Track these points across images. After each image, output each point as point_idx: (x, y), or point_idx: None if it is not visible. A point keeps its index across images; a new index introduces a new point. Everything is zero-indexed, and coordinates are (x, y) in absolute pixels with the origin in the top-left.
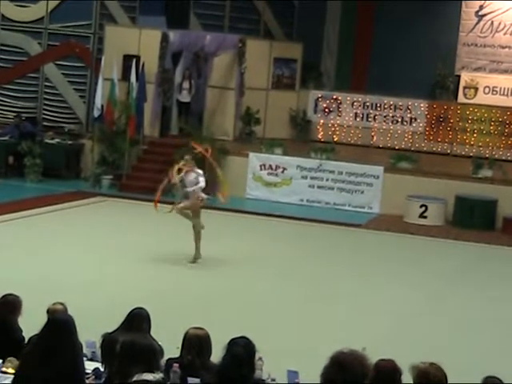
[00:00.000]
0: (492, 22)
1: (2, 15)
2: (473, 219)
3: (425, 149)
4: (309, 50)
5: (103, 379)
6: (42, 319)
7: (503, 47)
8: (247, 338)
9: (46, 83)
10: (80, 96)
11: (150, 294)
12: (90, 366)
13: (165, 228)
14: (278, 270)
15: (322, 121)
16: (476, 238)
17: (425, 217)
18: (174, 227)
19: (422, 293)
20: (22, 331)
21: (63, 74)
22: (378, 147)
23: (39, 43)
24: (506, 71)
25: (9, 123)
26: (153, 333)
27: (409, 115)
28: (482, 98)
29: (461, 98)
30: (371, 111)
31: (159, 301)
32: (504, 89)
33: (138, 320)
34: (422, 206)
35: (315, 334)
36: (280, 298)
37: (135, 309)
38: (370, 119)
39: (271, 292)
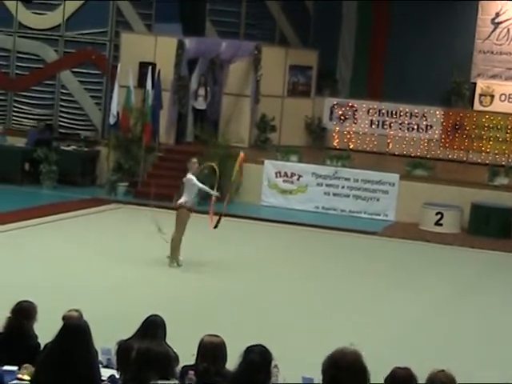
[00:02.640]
0: (508, 30)
1: (19, 23)
2: (488, 227)
3: (440, 156)
4: (324, 57)
5: None
6: (58, 326)
7: None
8: (263, 346)
9: (62, 90)
10: (96, 103)
11: (165, 300)
12: (105, 373)
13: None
14: (294, 278)
15: (337, 128)
16: (492, 245)
17: (440, 224)
18: (189, 233)
19: (437, 300)
20: (37, 338)
21: (79, 81)
22: (394, 154)
23: (55, 50)
24: None
25: (25, 130)
26: (168, 340)
27: (424, 122)
28: (498, 106)
29: (477, 106)
30: (387, 118)
31: (174, 307)
32: None
33: (153, 327)
34: (437, 214)
35: (330, 340)
36: (295, 304)
37: (150, 316)
38: (385, 126)
39: (286, 299)
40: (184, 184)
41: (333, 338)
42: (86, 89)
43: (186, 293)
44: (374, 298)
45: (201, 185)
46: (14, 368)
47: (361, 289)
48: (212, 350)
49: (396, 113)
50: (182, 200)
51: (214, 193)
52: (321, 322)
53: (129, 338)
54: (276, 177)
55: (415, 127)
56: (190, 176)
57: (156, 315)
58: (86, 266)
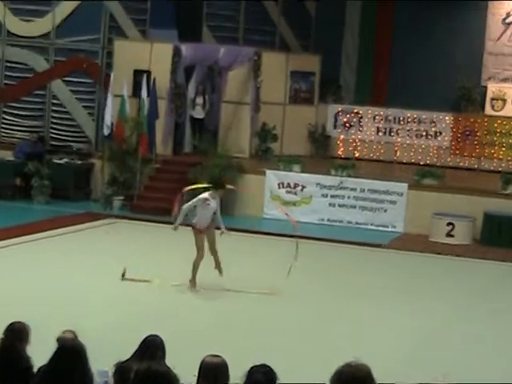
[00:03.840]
0: None
1: (7, 30)
2: (502, 237)
3: (451, 164)
4: (327, 63)
5: None
6: (52, 347)
7: None
8: (268, 366)
9: (54, 100)
10: (89, 113)
11: (164, 319)
12: None
13: (178, 250)
14: (297, 293)
15: (342, 136)
16: (505, 256)
17: (452, 235)
18: (187, 249)
19: (449, 315)
20: (30, 359)
21: (71, 90)
22: (402, 163)
23: (46, 59)
24: None
25: (15, 143)
26: (168, 360)
27: (433, 129)
28: (510, 110)
29: (488, 110)
30: (393, 125)
31: (174, 326)
32: None
33: (152, 348)
34: (448, 224)
35: (336, 357)
36: (299, 321)
37: (149, 336)
38: (392, 134)
39: (289, 316)
40: (199, 201)
41: (339, 354)
42: (78, 98)
43: (187, 312)
44: (382, 313)
45: (218, 212)
46: None
47: (368, 304)
48: (213, 371)
49: (403, 119)
50: (194, 220)
51: (223, 228)
52: (325, 337)
53: (127, 360)
54: (279, 187)
55: (423, 134)
56: (206, 196)
57: (155, 335)
58: (80, 284)
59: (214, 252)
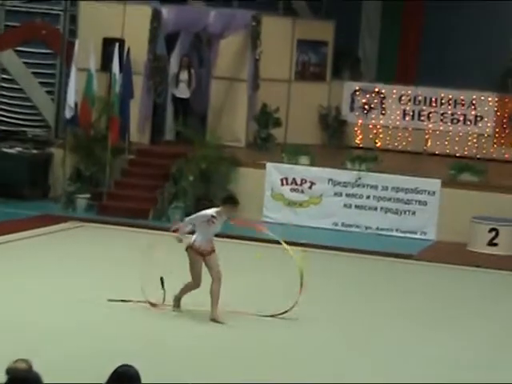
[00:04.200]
0: None
1: None
2: None
3: (494, 156)
4: (343, 31)
5: None
6: (1, 380)
7: None
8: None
9: (3, 75)
10: (48, 92)
11: (138, 345)
12: None
13: (154, 261)
14: (306, 314)
15: (360, 121)
16: None
17: (495, 244)
18: (167, 260)
19: (493, 341)
20: None
21: (25, 63)
22: (434, 154)
23: None
24: None
25: None
26: None
27: (473, 113)
28: None
29: None
30: (424, 108)
31: (150, 354)
32: None
33: (123, 380)
34: (491, 231)
35: None
36: (308, 347)
37: (121, 366)
38: (422, 118)
39: (296, 341)
40: (204, 217)
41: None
42: (34, 73)
43: (163, 336)
44: (409, 339)
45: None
46: None
47: (393, 327)
48: None
49: (436, 100)
50: (193, 240)
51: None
52: (341, 366)
53: None
54: (282, 185)
55: (461, 119)
56: (213, 212)
57: (128, 365)
58: (37, 300)
59: (217, 283)
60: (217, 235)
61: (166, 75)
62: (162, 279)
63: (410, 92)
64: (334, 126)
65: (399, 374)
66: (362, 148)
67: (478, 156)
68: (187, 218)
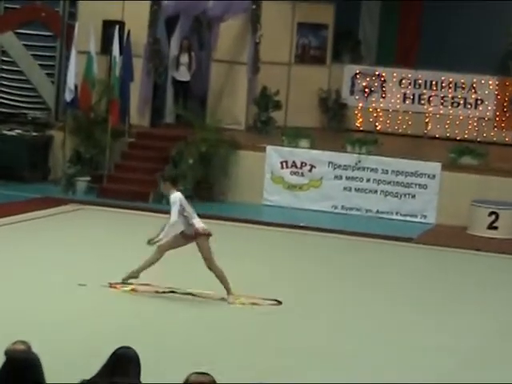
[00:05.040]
0: None
1: None
2: None
3: (495, 139)
4: (343, 14)
5: None
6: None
7: None
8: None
9: (3, 58)
10: (47, 74)
11: (138, 330)
12: None
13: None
14: (306, 300)
15: (360, 104)
16: None
17: (495, 228)
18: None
19: (491, 325)
20: None
21: (25, 45)
22: (434, 138)
23: None
24: None
25: None
26: (144, 379)
27: (473, 96)
28: None
29: None
30: (424, 91)
31: (151, 339)
32: None
33: (123, 361)
34: (491, 214)
35: (351, 375)
36: (308, 334)
37: (120, 348)
38: (422, 101)
39: (296, 328)
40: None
41: (355, 372)
42: (34, 55)
43: (164, 321)
44: (410, 324)
45: (172, 216)
46: None
47: (393, 312)
48: None
49: (436, 84)
50: (197, 225)
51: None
52: (342, 353)
53: (92, 377)
54: (282, 168)
55: (461, 102)
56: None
57: (128, 347)
58: (36, 285)
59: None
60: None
61: (166, 58)
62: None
63: (410, 75)
64: (334, 109)
65: (398, 360)
66: (362, 131)
67: (478, 139)
68: (176, 210)
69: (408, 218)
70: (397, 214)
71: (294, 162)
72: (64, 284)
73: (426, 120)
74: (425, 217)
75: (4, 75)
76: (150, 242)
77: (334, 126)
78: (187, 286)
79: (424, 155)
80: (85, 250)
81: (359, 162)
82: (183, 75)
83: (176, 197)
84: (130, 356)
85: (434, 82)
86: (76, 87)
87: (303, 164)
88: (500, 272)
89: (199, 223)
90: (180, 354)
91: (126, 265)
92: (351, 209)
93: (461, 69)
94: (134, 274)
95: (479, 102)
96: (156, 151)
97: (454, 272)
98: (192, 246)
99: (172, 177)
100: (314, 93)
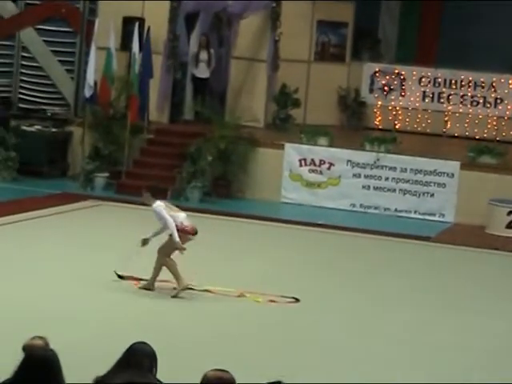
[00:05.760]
0: None
1: None
2: None
3: None
4: (363, 12)
5: None
6: (18, 358)
7: None
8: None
9: (24, 53)
10: (67, 70)
11: (157, 327)
12: None
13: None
14: (324, 298)
15: (379, 102)
16: None
17: None
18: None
19: (509, 325)
20: None
21: (45, 41)
22: (453, 136)
23: (14, 2)
24: None
25: None
26: (161, 375)
27: (493, 95)
28: None
29: None
30: (444, 90)
31: (169, 337)
32: None
33: (137, 355)
34: (510, 213)
35: (369, 376)
36: (326, 332)
37: (135, 343)
38: (442, 100)
39: (313, 326)
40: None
41: (371, 372)
42: (54, 51)
43: (188, 322)
44: (429, 324)
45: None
46: None
47: (412, 311)
48: None
49: (456, 82)
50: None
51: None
52: (358, 352)
53: (107, 372)
54: (300, 165)
55: (481, 101)
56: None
57: (143, 343)
58: (53, 282)
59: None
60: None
61: (186, 55)
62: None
63: (429, 74)
64: (353, 107)
65: (416, 357)
66: (380, 129)
67: (497, 138)
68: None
69: (426, 217)
70: (415, 212)
71: (312, 159)
72: (81, 278)
73: (445, 119)
74: (443, 215)
75: (24, 71)
76: (145, 243)
77: (353, 124)
78: (205, 283)
79: (443, 154)
80: (103, 245)
81: (378, 160)
82: (202, 72)
83: (158, 205)
84: (144, 351)
85: (453, 81)
86: (95, 83)
87: (322, 162)
88: None
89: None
90: (196, 352)
91: (144, 261)
92: (369, 207)
93: (480, 68)
94: (150, 287)
95: (499, 100)
96: (175, 148)
97: (472, 271)
98: (211, 244)
99: (151, 188)
100: (333, 91)
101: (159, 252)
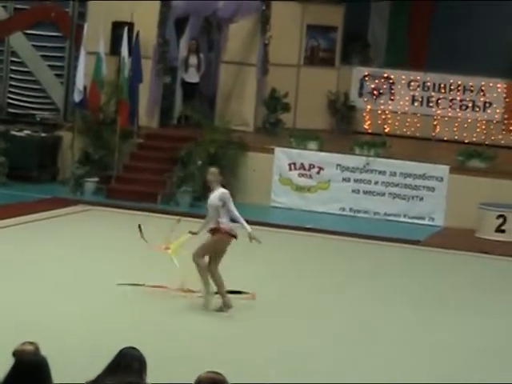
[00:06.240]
0: None
1: None
2: None
3: (503, 142)
4: (352, 16)
5: None
6: (8, 363)
7: None
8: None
9: (13, 58)
10: (56, 75)
11: (146, 334)
12: None
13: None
14: (314, 303)
15: (369, 106)
16: None
17: (503, 231)
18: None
19: (499, 327)
20: None
21: (34, 46)
22: (442, 140)
23: (3, 6)
24: None
25: None
26: (152, 379)
27: (482, 99)
28: None
29: None
30: (433, 94)
31: (160, 343)
32: None
33: (127, 359)
34: (499, 217)
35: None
36: (317, 338)
37: (125, 348)
38: (431, 104)
39: (305, 332)
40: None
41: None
42: (43, 56)
43: (174, 326)
44: (419, 325)
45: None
46: None
47: (401, 316)
48: None
49: (445, 86)
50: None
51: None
52: (349, 357)
53: (97, 376)
54: (290, 169)
55: (470, 105)
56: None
57: (133, 347)
58: (43, 287)
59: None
60: None
61: (175, 59)
62: (140, 227)
63: (419, 78)
64: (342, 112)
65: (405, 361)
66: (370, 133)
67: (486, 142)
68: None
69: (416, 221)
70: (405, 216)
71: (302, 163)
72: (71, 284)
73: (435, 123)
74: (433, 219)
75: (13, 76)
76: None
77: (343, 128)
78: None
79: (432, 158)
80: (93, 250)
81: (367, 164)
82: (192, 77)
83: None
84: (133, 354)
85: (442, 85)
86: (85, 88)
87: (311, 166)
88: (508, 275)
89: None
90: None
91: (134, 264)
92: (359, 211)
93: (469, 72)
94: (208, 297)
95: (488, 104)
96: (165, 152)
97: (462, 275)
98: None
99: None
100: (322, 95)
101: (197, 255)
